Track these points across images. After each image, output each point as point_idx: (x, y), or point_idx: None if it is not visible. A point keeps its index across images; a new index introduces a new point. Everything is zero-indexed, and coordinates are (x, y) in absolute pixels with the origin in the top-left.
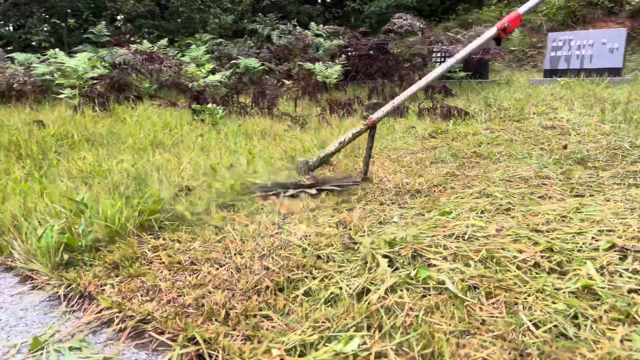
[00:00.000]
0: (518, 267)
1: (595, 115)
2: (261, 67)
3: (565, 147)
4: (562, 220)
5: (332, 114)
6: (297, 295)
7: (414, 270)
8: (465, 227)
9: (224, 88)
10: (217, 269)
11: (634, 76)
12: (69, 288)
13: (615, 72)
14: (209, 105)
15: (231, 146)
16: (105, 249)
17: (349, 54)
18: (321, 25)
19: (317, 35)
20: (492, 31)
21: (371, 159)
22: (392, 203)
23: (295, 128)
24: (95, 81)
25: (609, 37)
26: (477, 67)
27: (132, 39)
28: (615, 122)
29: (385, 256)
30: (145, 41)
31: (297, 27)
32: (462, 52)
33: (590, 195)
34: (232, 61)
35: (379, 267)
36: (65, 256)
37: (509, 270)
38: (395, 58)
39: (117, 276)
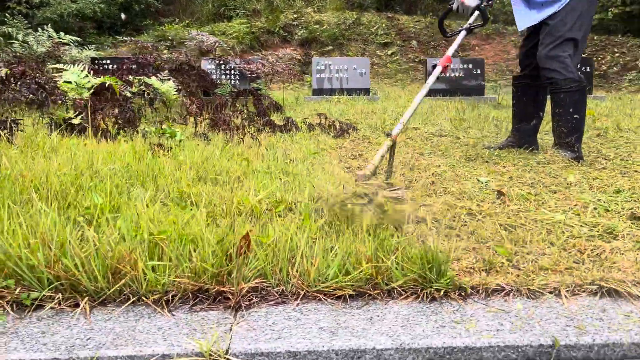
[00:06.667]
0: None
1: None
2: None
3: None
4: None
5: (220, 130)
6: None
7: None
8: None
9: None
10: None
11: (381, 94)
12: None
13: (366, 91)
14: (164, 127)
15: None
16: None
17: (125, 67)
18: (62, 33)
19: (64, 44)
20: (439, 69)
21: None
22: None
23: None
24: None
25: (358, 64)
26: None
27: None
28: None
29: None
30: None
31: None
32: (432, 78)
33: None
34: None
35: None
36: None
37: None
38: (208, 76)
39: None
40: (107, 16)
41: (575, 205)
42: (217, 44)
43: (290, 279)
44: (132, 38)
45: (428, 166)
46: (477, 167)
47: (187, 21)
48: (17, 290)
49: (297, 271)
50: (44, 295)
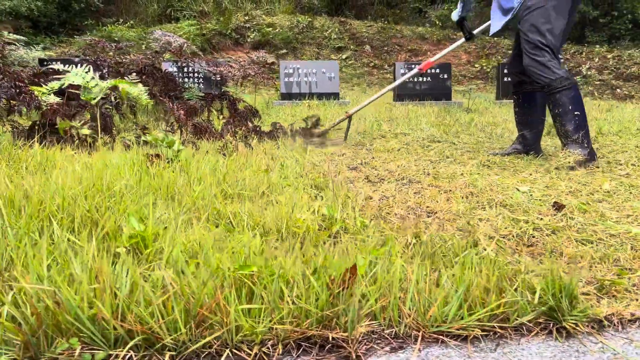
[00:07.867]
0: None
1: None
2: None
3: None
4: None
5: (203, 138)
6: None
7: None
8: None
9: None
10: None
11: (350, 98)
12: None
13: (335, 96)
14: (159, 134)
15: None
16: None
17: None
18: (5, 32)
19: (9, 44)
20: (415, 70)
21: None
22: None
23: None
24: None
25: (326, 68)
26: (221, 88)
27: None
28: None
29: None
30: None
31: None
32: (406, 76)
33: None
34: None
35: None
36: None
37: None
38: (173, 79)
39: None
40: (44, 15)
41: (636, 215)
42: (185, 45)
43: (402, 319)
44: (94, 38)
45: (452, 175)
46: (503, 175)
47: (131, 22)
48: (78, 351)
49: (409, 309)
50: (110, 354)
